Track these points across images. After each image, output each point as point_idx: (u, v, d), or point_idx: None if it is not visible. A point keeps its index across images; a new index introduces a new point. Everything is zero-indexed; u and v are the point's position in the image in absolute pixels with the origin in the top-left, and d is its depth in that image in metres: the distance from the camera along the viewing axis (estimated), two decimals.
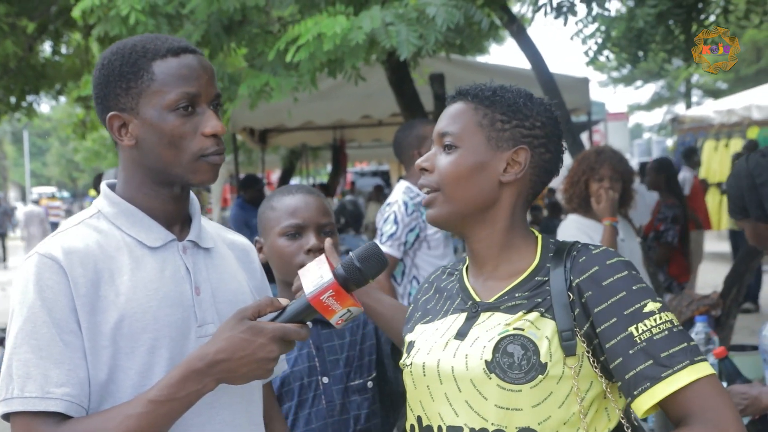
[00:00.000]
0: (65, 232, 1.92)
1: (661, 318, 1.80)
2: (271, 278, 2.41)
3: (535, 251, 1.99)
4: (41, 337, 1.78)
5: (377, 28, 4.90)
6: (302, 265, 2.48)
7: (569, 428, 1.83)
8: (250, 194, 9.97)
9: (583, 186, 4.80)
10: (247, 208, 9.79)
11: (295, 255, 2.52)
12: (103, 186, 2.02)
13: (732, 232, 12.29)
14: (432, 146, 2.04)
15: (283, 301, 1.87)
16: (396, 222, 4.63)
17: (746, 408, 2.85)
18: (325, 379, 2.53)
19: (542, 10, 5.46)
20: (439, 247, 4.73)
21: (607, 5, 5.33)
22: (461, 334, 1.91)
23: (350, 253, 1.89)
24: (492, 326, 1.88)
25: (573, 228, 4.79)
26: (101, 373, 1.82)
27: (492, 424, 1.82)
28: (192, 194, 2.05)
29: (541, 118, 1.99)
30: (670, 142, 27.07)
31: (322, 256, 1.92)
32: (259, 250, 2.64)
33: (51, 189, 50.20)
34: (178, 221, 2.00)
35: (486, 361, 1.82)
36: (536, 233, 2.04)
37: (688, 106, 28.46)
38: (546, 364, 1.80)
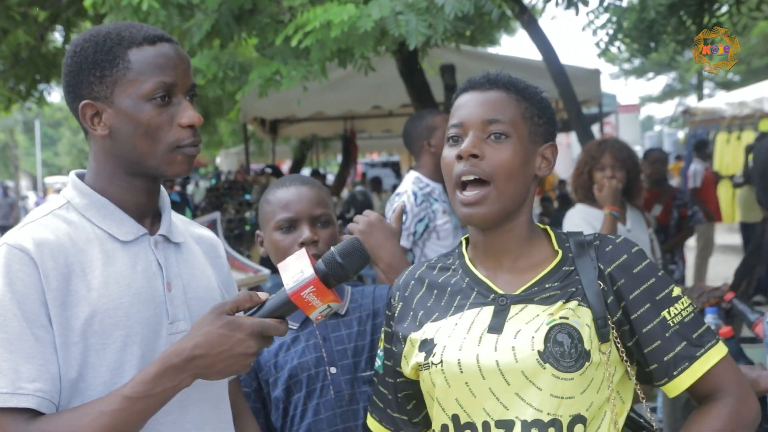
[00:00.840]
0: (34, 223, 1.84)
1: (686, 302, 1.93)
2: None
3: (549, 243, 2.01)
4: (11, 331, 1.71)
5: (386, 16, 4.90)
6: None
7: (601, 413, 1.87)
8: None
9: (587, 176, 4.88)
10: None
11: (290, 249, 2.49)
12: (71, 176, 1.95)
13: (743, 225, 12.26)
14: (465, 133, 1.95)
15: (263, 296, 1.83)
16: (405, 212, 4.62)
17: None
18: (333, 370, 2.51)
19: (553, 0, 5.44)
20: (449, 237, 4.72)
21: None
22: (495, 328, 1.89)
23: (331, 248, 1.85)
24: (531, 318, 1.88)
25: (577, 217, 4.88)
26: (71, 370, 1.76)
27: (547, 414, 1.82)
28: (162, 188, 1.99)
29: (553, 113, 2.02)
30: (681, 135, 27.00)
31: (302, 250, 1.88)
32: (261, 243, 2.64)
33: (66, 178, 49.80)
34: (149, 215, 1.95)
35: (539, 352, 1.82)
36: (542, 226, 2.06)
37: (700, 98, 28.33)
38: (589, 351, 1.84)
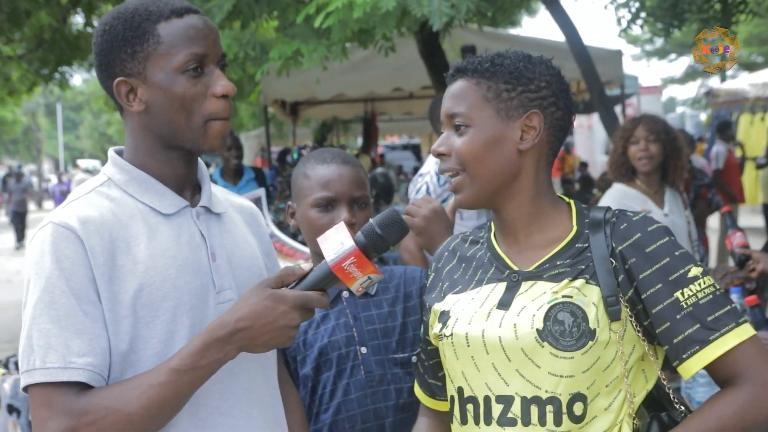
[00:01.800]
0: (78, 201, 1.87)
1: (705, 282, 1.85)
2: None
3: (569, 218, 1.98)
4: (60, 307, 1.75)
5: None
6: None
7: (610, 391, 1.85)
8: (286, 168, 10.00)
9: (621, 151, 4.74)
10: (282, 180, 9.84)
11: (326, 228, 2.48)
12: (111, 153, 1.97)
13: (765, 206, 12.17)
14: (442, 129, 2.00)
15: (305, 267, 1.85)
16: (428, 192, 4.62)
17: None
18: (363, 350, 2.50)
19: None
20: (473, 217, 4.71)
21: None
22: (504, 304, 1.90)
23: (371, 220, 1.86)
24: (537, 295, 1.88)
25: (611, 199, 4.71)
26: (122, 343, 1.80)
27: (546, 391, 1.83)
28: (200, 160, 2.01)
29: (545, 77, 1.95)
30: (704, 116, 26.81)
31: (341, 223, 1.90)
32: (291, 215, 2.61)
33: (93, 162, 49.25)
34: (188, 187, 1.97)
35: (537, 330, 1.82)
36: (566, 200, 2.03)
37: (723, 79, 28.11)
38: (595, 330, 1.82)
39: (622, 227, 1.90)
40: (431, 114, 4.79)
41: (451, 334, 1.93)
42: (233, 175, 7.07)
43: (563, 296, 1.84)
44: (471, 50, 7.77)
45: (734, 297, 3.51)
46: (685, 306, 1.82)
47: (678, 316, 1.82)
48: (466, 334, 1.90)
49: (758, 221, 14.30)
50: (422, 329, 2.15)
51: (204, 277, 1.89)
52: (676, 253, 1.87)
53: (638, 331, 1.87)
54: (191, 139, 1.88)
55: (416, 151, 24.97)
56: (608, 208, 1.98)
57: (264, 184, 7.15)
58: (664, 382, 1.93)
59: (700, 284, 1.84)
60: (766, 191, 12.10)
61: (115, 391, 1.75)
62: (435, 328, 2.01)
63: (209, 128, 1.87)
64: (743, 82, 15.32)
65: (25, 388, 1.77)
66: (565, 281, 1.87)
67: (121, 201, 1.89)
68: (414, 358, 2.51)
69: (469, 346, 1.90)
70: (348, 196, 2.51)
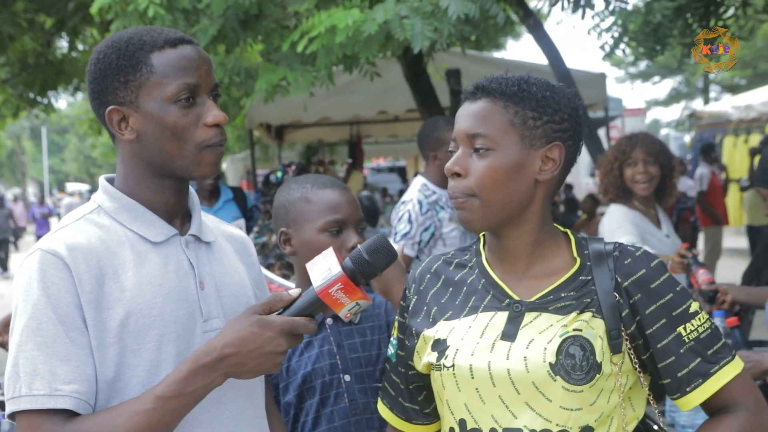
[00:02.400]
0: (66, 228, 1.88)
1: (703, 317, 1.91)
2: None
3: (568, 248, 1.98)
4: (47, 334, 1.74)
5: (391, 20, 4.89)
6: None
7: (605, 420, 1.86)
8: (273, 191, 9.93)
9: (618, 173, 4.55)
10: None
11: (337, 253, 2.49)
12: (101, 180, 1.98)
13: (750, 228, 12.23)
14: (457, 147, 1.94)
15: (293, 293, 1.84)
16: (410, 221, 4.60)
17: (749, 370, 2.86)
18: (347, 377, 2.49)
19: (560, 3, 5.44)
20: (455, 244, 4.70)
21: None
22: (509, 335, 1.88)
23: (359, 246, 1.86)
24: (544, 327, 1.86)
25: (618, 220, 4.51)
26: (108, 371, 1.80)
27: (556, 425, 1.83)
28: (191, 188, 2.02)
29: (567, 110, 1.93)
30: (687, 138, 26.94)
31: (330, 249, 1.89)
32: (286, 241, 2.56)
33: (83, 186, 48.73)
34: (178, 215, 1.97)
35: (550, 364, 1.82)
36: (562, 229, 2.02)
37: (706, 101, 28.28)
38: (601, 363, 1.83)
39: (626, 262, 1.91)
40: (422, 138, 4.75)
41: (453, 365, 1.90)
42: (208, 197, 6.75)
43: (574, 329, 1.84)
44: (456, 74, 7.81)
45: (718, 320, 3.51)
46: (687, 341, 1.88)
47: (681, 351, 1.87)
48: (470, 365, 1.88)
49: (742, 243, 14.37)
50: (394, 350, 2.12)
51: (191, 306, 1.89)
52: (677, 289, 1.90)
53: (635, 363, 1.90)
54: (183, 167, 1.89)
55: (402, 174, 24.99)
56: (611, 242, 1.97)
57: (244, 205, 6.91)
58: (655, 410, 1.96)
59: (699, 319, 1.90)
60: (750, 213, 12.15)
61: (100, 418, 1.74)
62: (428, 357, 1.97)
63: (203, 156, 1.88)
64: (726, 104, 15.39)
65: (12, 416, 1.77)
66: (574, 314, 1.87)
67: (110, 228, 1.89)
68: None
69: (473, 378, 1.88)
70: (355, 219, 2.51)
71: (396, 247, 2.72)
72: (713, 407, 1.91)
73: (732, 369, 1.89)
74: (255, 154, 13.77)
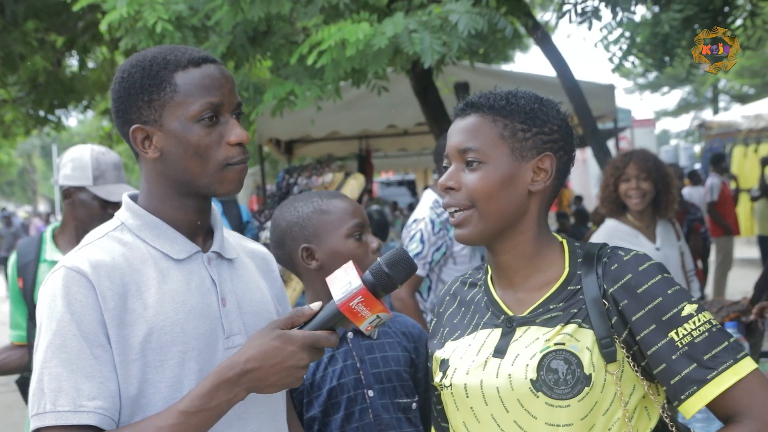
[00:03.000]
0: (90, 246, 1.90)
1: (699, 320, 1.81)
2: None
3: (561, 258, 1.96)
4: (71, 351, 1.76)
5: (400, 34, 4.91)
6: None
7: None
8: None
9: (613, 188, 4.75)
10: None
11: (366, 256, 2.52)
12: (125, 198, 2.01)
13: (761, 238, 12.18)
14: (450, 163, 1.98)
15: (315, 306, 1.86)
16: (422, 241, 4.57)
17: None
18: (371, 393, 2.48)
19: (567, 16, 5.44)
20: (465, 262, 4.69)
21: (632, 9, 5.30)
22: (499, 352, 1.88)
23: (378, 259, 1.87)
24: (530, 342, 1.86)
25: (605, 236, 4.71)
26: (131, 387, 1.81)
27: None
28: (213, 205, 2.04)
29: (556, 121, 1.96)
30: (697, 149, 26.89)
31: (350, 263, 1.90)
32: (310, 256, 2.56)
33: None
34: (201, 232, 1.99)
35: (531, 380, 1.81)
36: (560, 238, 2.01)
37: (716, 111, 28.27)
38: (590, 375, 1.80)
39: (613, 268, 1.87)
40: (438, 154, 4.71)
41: (450, 385, 1.91)
42: None
43: (555, 344, 1.82)
44: (464, 87, 7.82)
45: (730, 332, 3.50)
46: (680, 346, 1.79)
47: (673, 357, 1.79)
48: (465, 384, 1.89)
49: (753, 252, 14.31)
50: (430, 374, 2.12)
51: (213, 322, 1.91)
52: (669, 292, 1.83)
53: (636, 371, 1.85)
54: (206, 185, 1.90)
55: (411, 187, 25.00)
56: (602, 245, 1.95)
57: (238, 219, 6.51)
58: (667, 420, 1.90)
59: (694, 322, 1.80)
60: (761, 223, 12.12)
61: None
62: (436, 376, 1.99)
63: (225, 174, 1.90)
64: (736, 114, 15.38)
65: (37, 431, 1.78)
66: (558, 327, 1.85)
67: (133, 245, 1.91)
68: (413, 405, 2.51)
69: (468, 396, 1.88)
70: (368, 224, 2.58)
71: None
72: (721, 414, 1.81)
73: (733, 374, 1.76)
74: (265, 170, 13.80)
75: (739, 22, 5.58)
